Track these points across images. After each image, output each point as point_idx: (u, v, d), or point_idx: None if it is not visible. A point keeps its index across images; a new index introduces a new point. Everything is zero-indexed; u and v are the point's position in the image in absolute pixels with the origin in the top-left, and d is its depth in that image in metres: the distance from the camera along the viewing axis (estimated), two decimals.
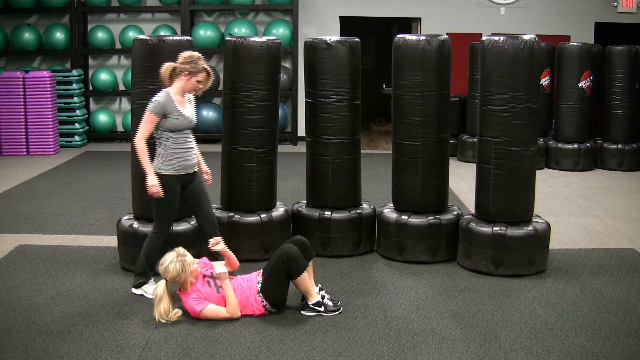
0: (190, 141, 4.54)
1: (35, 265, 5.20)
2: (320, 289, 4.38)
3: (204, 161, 4.73)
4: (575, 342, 3.93)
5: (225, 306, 4.23)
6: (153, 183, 4.36)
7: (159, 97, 4.38)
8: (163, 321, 4.16)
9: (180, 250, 4.30)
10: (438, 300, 4.57)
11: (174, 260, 4.21)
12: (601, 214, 6.93)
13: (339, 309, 4.33)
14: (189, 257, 4.27)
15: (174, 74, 4.40)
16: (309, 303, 4.29)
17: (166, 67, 4.41)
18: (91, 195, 7.64)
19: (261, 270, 4.40)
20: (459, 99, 10.14)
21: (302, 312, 4.31)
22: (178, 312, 4.23)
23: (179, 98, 4.43)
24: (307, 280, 4.28)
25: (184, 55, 4.41)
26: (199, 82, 4.42)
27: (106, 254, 5.48)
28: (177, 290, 4.33)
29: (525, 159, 5.02)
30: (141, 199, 5.01)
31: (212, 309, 4.20)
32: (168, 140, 4.41)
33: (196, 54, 4.44)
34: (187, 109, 4.48)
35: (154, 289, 4.32)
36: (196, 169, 4.63)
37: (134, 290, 4.63)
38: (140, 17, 11.52)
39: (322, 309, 4.29)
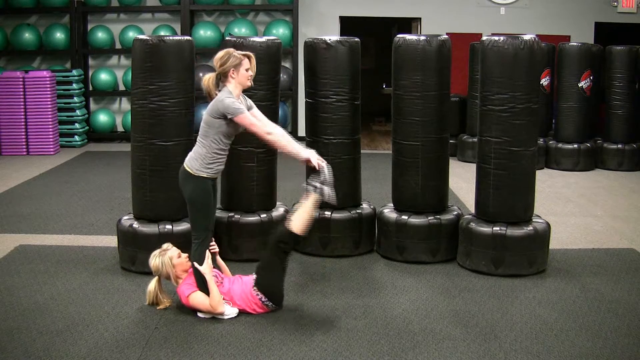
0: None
1: (35, 265, 5.19)
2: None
3: None
4: (575, 342, 3.93)
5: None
6: (310, 155, 4.22)
7: (230, 96, 4.12)
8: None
9: (164, 245, 4.40)
10: (438, 300, 4.57)
11: (155, 254, 4.34)
12: (601, 214, 6.93)
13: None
14: (171, 251, 4.33)
15: (220, 80, 4.19)
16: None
17: (207, 78, 4.16)
18: (91, 195, 7.63)
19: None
20: (459, 99, 10.14)
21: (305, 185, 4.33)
22: (167, 303, 4.37)
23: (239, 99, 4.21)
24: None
25: (218, 57, 4.17)
26: (247, 69, 4.19)
27: (106, 254, 5.48)
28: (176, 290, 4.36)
29: (525, 159, 5.02)
30: (142, 199, 5.02)
31: (200, 296, 4.21)
32: (216, 143, 4.15)
33: (227, 49, 4.22)
34: None
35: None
36: None
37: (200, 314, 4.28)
38: (140, 17, 11.52)
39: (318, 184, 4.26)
